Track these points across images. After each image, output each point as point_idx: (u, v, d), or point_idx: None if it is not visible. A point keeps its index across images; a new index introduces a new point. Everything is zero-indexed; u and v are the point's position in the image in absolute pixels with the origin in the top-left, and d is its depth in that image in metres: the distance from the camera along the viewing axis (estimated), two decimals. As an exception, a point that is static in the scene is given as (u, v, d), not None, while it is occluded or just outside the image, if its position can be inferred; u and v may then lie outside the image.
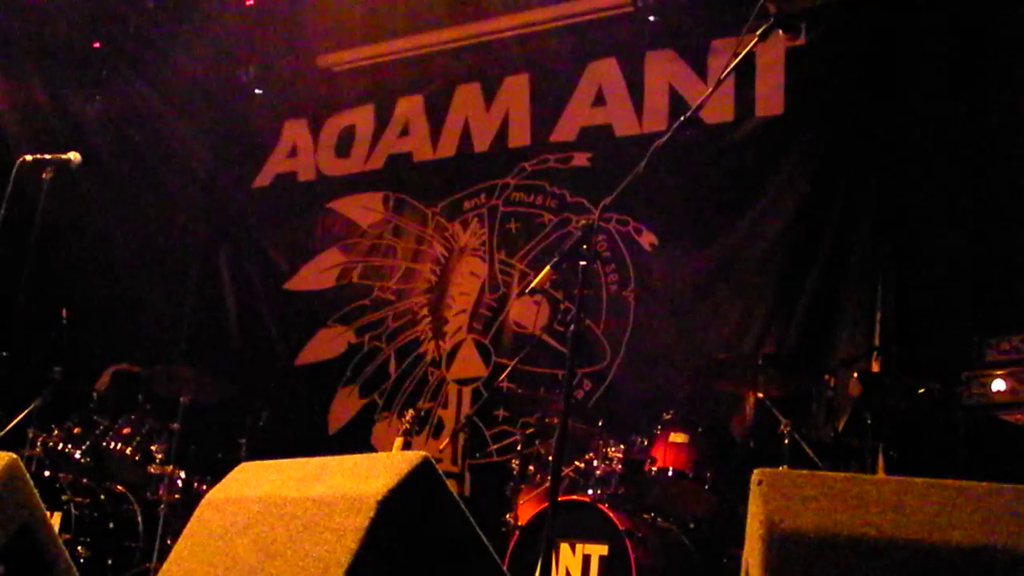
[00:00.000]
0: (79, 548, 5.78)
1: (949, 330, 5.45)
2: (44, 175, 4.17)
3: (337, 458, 2.68)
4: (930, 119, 5.93)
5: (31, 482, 2.93)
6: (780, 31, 6.41)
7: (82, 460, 6.16)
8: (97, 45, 8.43)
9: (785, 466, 5.02)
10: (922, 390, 5.06)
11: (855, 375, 5.28)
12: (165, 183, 8.83)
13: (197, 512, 2.92)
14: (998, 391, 4.61)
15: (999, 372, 4.62)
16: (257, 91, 8.67)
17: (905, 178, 5.95)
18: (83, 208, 8.24)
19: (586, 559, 4.73)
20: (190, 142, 8.78)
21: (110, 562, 5.95)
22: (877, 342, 5.83)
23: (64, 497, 5.87)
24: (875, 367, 5.73)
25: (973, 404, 4.69)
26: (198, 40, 8.31)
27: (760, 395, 5.42)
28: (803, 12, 6.31)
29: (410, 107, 8.37)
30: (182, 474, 6.19)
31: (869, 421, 5.07)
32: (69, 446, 6.18)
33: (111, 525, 6.01)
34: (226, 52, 8.50)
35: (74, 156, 4.20)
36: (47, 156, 4.18)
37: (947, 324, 5.52)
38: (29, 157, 4.16)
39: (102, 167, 8.23)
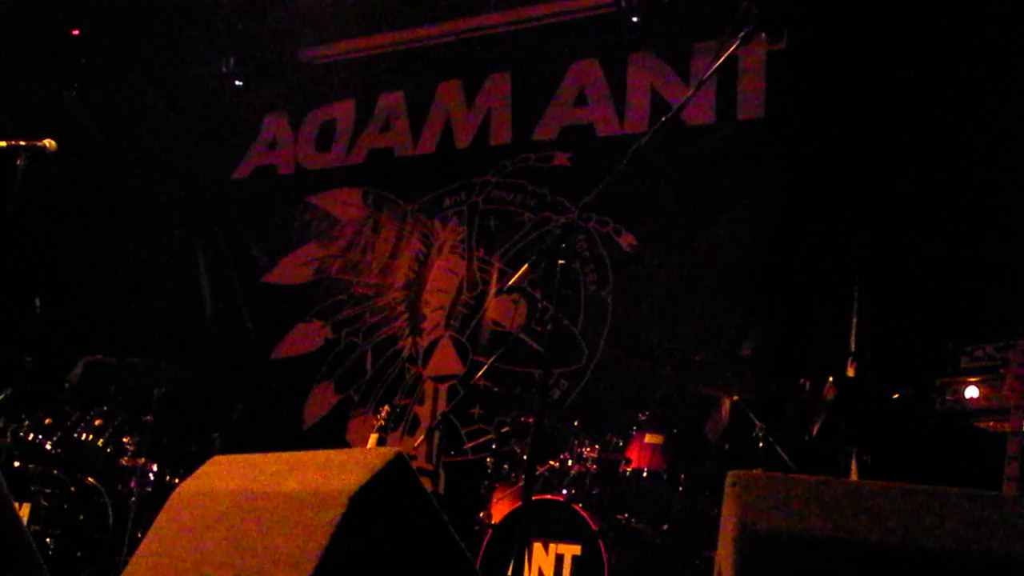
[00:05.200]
0: (48, 540, 5.72)
1: (924, 337, 5.47)
2: (18, 162, 4.10)
3: (310, 453, 2.66)
4: (910, 125, 5.96)
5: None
6: (762, 34, 6.45)
7: (52, 451, 6.10)
8: (75, 33, 8.35)
9: (759, 469, 5.04)
10: (896, 396, 5.09)
11: (830, 380, 5.31)
12: (143, 173, 8.76)
13: (167, 505, 2.89)
14: (971, 398, 4.64)
15: (973, 379, 4.65)
16: (237, 83, 8.62)
17: (884, 184, 5.98)
18: (58, 197, 8.16)
19: (559, 559, 4.73)
20: (168, 132, 8.71)
21: (79, 554, 5.89)
22: (853, 347, 5.86)
23: (33, 488, 5.81)
24: (850, 372, 5.76)
25: (946, 410, 4.71)
26: (178, 30, 8.25)
27: (735, 398, 5.43)
28: (785, 15, 6.35)
29: (392, 102, 8.35)
30: (154, 467, 6.14)
31: (843, 426, 5.09)
32: (40, 437, 6.11)
33: (81, 517, 5.96)
34: (207, 43, 8.44)
35: (49, 143, 4.13)
36: (21, 142, 4.11)
37: (922, 331, 5.54)
38: (2, 143, 4.09)
39: (78, 156, 8.15)
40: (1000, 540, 1.93)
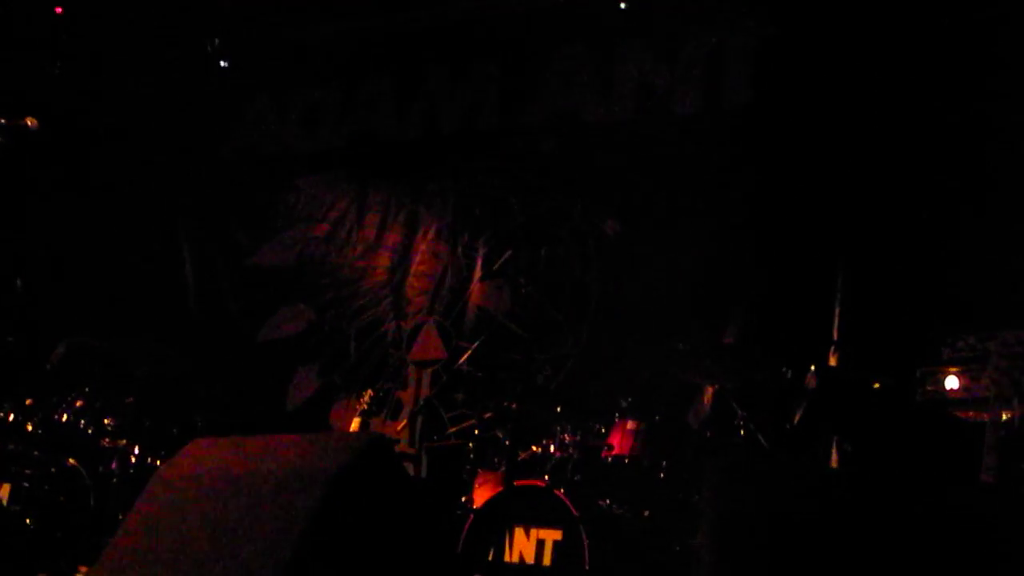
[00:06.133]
0: (28, 520, 5.70)
1: (906, 327, 5.50)
2: (-1, 140, 4.08)
3: (291, 436, 2.66)
4: (896, 114, 5.98)
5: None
6: (751, 22, 6.44)
7: (34, 432, 6.07)
8: (59, 11, 8.28)
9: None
10: (877, 385, 5.11)
11: (812, 368, 5.33)
12: (125, 153, 8.69)
13: (149, 487, 2.89)
14: (951, 388, 4.66)
15: (953, 369, 4.67)
16: (222, 63, 8.56)
17: (869, 173, 6.00)
18: (39, 177, 8.10)
19: (540, 544, 4.74)
20: (152, 113, 8.65)
21: (59, 535, 5.87)
22: (835, 336, 5.88)
23: (14, 469, 5.78)
24: (832, 361, 5.78)
25: (927, 400, 4.74)
26: (163, 8, 8.18)
27: (718, 386, 5.45)
28: (774, 3, 6.36)
29: (377, 86, 8.31)
30: (136, 448, 6.13)
31: (824, 414, 5.11)
32: (20, 417, 6.08)
33: (61, 498, 5.94)
34: (192, 22, 8.38)
35: (31, 121, 4.11)
36: (2, 120, 4.09)
37: (904, 321, 5.57)
38: (-17, 122, 4.06)
39: (61, 135, 8.08)
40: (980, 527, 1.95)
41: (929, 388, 4.75)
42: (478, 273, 7.37)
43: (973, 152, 5.68)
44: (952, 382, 4.65)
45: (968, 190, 5.65)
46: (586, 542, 4.55)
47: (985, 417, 4.04)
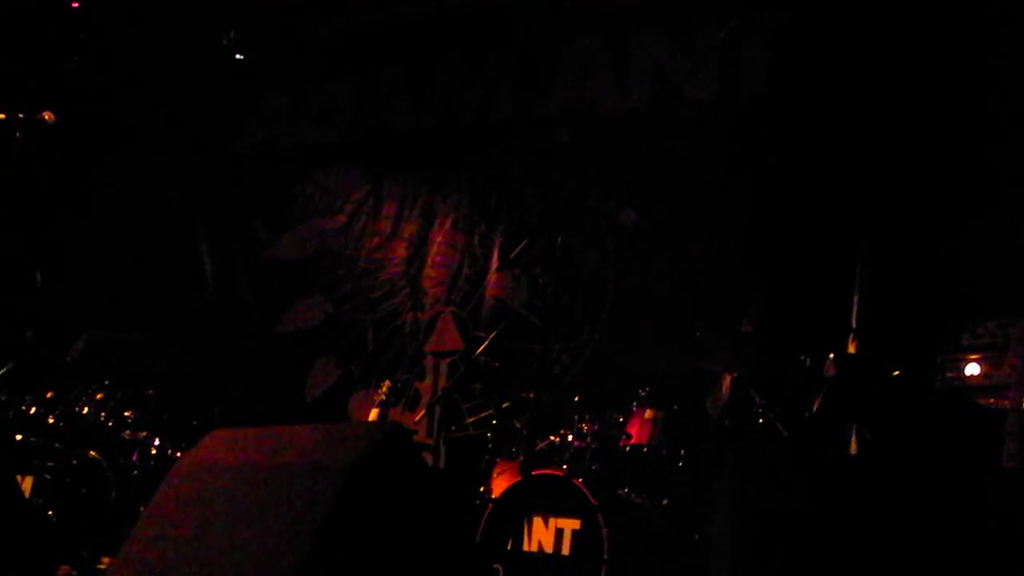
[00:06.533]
0: (50, 513, 5.74)
1: (925, 314, 5.47)
2: (17, 135, 4.09)
3: (310, 426, 2.66)
4: (913, 101, 5.94)
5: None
6: (767, 9, 6.39)
7: (54, 425, 6.11)
8: (76, 5, 8.31)
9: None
10: (897, 372, 5.09)
11: (831, 356, 5.30)
12: (142, 149, 8.72)
13: (168, 478, 2.90)
14: (972, 375, 4.63)
15: (973, 356, 4.64)
16: (238, 56, 8.57)
17: (886, 160, 5.96)
18: (59, 172, 8.14)
19: (559, 533, 4.75)
20: (168, 107, 8.67)
21: (81, 527, 5.91)
22: (854, 324, 5.85)
23: (35, 462, 5.82)
24: (851, 349, 5.76)
25: (947, 387, 4.71)
26: (178, 3, 8.20)
27: (736, 374, 5.43)
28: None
29: (393, 78, 8.31)
30: (156, 440, 6.16)
31: (843, 403, 5.09)
32: (41, 410, 6.13)
33: (83, 490, 5.98)
34: (207, 16, 8.39)
35: (49, 116, 4.13)
36: (20, 115, 4.10)
37: (923, 308, 5.54)
38: (1, 116, 4.07)
39: (78, 130, 8.11)
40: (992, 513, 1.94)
41: (949, 375, 4.72)
42: (494, 263, 7.38)
43: (993, 139, 5.64)
44: (973, 369, 4.63)
45: (989, 176, 5.61)
46: (605, 531, 4.55)
47: (1006, 404, 4.01)
